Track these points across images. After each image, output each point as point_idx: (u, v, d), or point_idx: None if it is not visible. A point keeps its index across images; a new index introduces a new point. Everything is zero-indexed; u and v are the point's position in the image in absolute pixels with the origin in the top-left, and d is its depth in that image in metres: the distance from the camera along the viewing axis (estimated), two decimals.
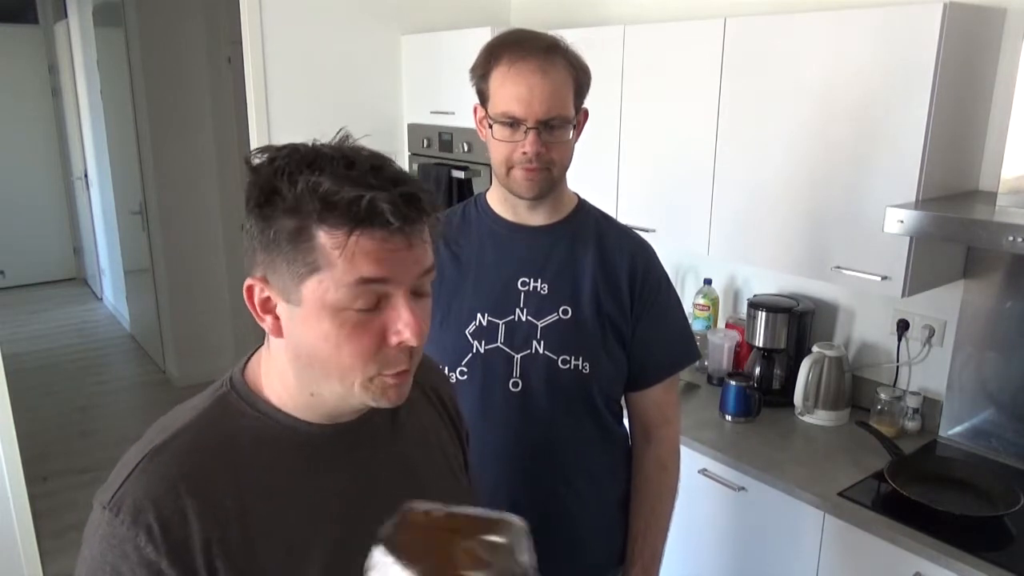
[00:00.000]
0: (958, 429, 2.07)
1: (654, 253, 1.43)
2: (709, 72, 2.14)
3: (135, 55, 4.30)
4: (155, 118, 4.32)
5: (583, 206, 1.42)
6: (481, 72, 1.29)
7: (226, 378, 0.86)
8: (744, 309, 2.41)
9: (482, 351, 1.34)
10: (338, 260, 0.72)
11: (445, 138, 2.88)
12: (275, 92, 2.76)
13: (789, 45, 1.96)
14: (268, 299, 0.78)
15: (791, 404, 2.20)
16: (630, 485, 1.47)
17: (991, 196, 1.79)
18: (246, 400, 0.83)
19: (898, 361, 2.18)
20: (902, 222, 1.69)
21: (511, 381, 1.33)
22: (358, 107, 2.97)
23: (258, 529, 0.78)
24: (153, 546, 0.73)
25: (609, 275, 1.36)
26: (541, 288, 1.35)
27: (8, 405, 2.39)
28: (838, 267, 1.95)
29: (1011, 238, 1.53)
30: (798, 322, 2.27)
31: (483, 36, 1.51)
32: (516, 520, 0.74)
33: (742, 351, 2.44)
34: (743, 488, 1.97)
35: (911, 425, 2.12)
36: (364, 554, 0.83)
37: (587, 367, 1.34)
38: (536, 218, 1.37)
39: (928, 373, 2.14)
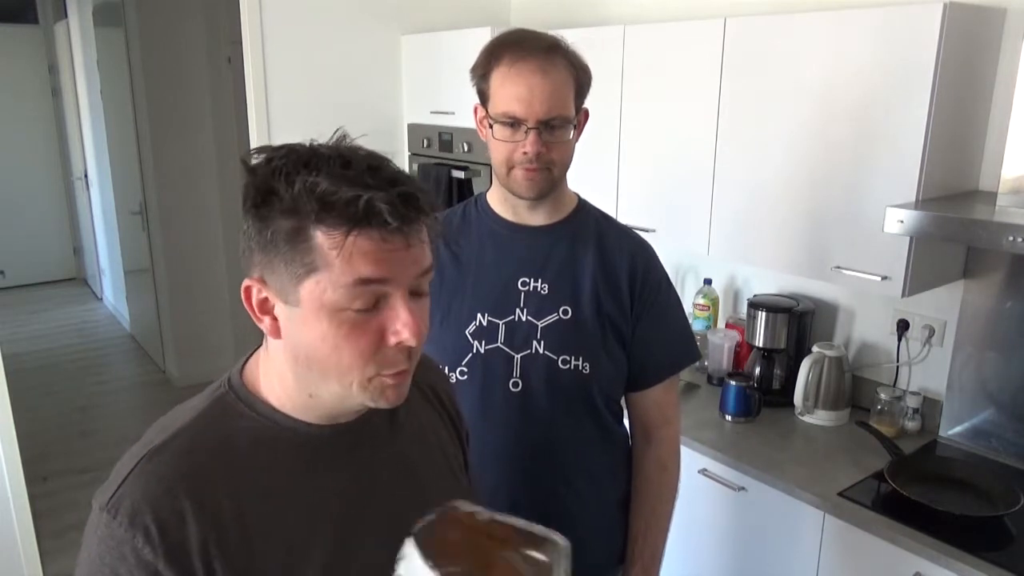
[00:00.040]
0: (958, 429, 2.07)
1: (654, 253, 1.43)
2: (709, 72, 2.14)
3: (135, 55, 4.30)
4: (155, 118, 4.32)
5: (583, 206, 1.42)
6: (482, 72, 1.29)
7: (224, 379, 0.86)
8: (744, 309, 2.41)
9: (482, 351, 1.34)
10: (336, 260, 0.71)
11: (445, 138, 2.87)
12: (275, 92, 2.76)
13: (789, 45, 1.96)
14: (266, 300, 0.77)
15: (791, 404, 2.20)
16: (630, 485, 1.47)
17: (991, 196, 1.79)
18: (244, 401, 0.83)
19: (898, 361, 2.17)
20: (902, 222, 1.69)
21: (511, 381, 1.33)
22: (358, 107, 2.97)
23: (256, 530, 0.78)
24: (150, 547, 0.72)
25: (609, 275, 1.36)
26: (541, 288, 1.35)
27: (8, 405, 2.39)
28: (838, 267, 1.95)
29: (1011, 238, 1.52)
30: (798, 322, 2.27)
31: (483, 36, 1.51)
32: (561, 540, 0.72)
33: (742, 351, 2.44)
34: (743, 488, 1.97)
35: (911, 425, 2.12)
36: (364, 554, 0.83)
37: (587, 367, 1.33)
38: (536, 218, 1.37)
39: (928, 373, 2.13)
